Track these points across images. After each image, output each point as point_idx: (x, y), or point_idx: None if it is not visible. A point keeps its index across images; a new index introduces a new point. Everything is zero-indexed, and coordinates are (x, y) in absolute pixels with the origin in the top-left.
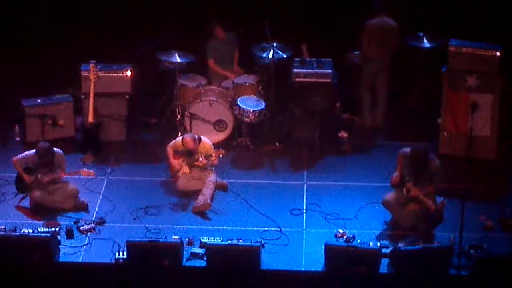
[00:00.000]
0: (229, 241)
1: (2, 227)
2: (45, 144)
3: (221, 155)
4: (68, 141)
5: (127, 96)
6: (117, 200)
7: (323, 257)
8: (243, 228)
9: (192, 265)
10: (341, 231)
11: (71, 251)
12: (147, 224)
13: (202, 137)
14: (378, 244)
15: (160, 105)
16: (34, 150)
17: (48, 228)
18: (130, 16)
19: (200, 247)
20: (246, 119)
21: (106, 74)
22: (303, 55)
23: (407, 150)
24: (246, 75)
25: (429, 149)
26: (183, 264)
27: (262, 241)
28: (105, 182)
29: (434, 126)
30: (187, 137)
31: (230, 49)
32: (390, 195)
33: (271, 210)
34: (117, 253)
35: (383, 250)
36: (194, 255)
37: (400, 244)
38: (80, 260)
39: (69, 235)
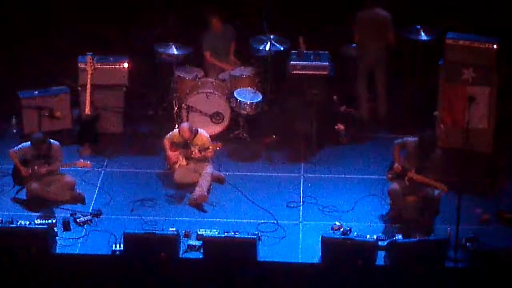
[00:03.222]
0: (225, 233)
1: None
2: (39, 134)
3: (218, 148)
4: (65, 133)
5: (124, 88)
6: (114, 192)
7: (320, 249)
8: (239, 220)
9: (189, 257)
10: (337, 223)
11: (68, 243)
12: (143, 216)
13: (199, 129)
14: (375, 236)
15: (157, 97)
16: (30, 142)
17: (45, 220)
18: (127, 8)
19: (197, 239)
20: (243, 112)
21: (103, 66)
22: (300, 48)
23: (406, 139)
24: (243, 67)
25: (437, 138)
26: (180, 256)
27: (259, 234)
28: (102, 174)
29: (431, 119)
30: (184, 125)
31: (226, 42)
32: (395, 185)
33: (268, 203)
34: (113, 245)
35: (380, 243)
36: (191, 247)
37: (397, 237)
38: (77, 252)
39: (66, 227)
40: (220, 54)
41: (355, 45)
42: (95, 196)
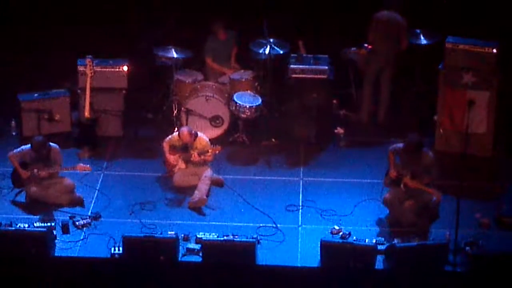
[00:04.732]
0: (224, 237)
1: None
2: (40, 137)
3: (217, 152)
4: (64, 136)
5: (124, 91)
6: (113, 195)
7: (319, 253)
8: (238, 224)
9: (187, 261)
10: (337, 227)
11: (67, 246)
12: (143, 219)
13: (199, 133)
14: (374, 240)
15: (157, 101)
16: (29, 145)
17: (44, 223)
18: (127, 11)
19: (196, 242)
20: (243, 115)
21: (102, 69)
22: (300, 51)
23: (398, 145)
24: (242, 70)
25: (423, 141)
26: (179, 259)
27: (258, 237)
28: (101, 177)
29: (431, 123)
30: (184, 129)
31: (229, 48)
32: (389, 194)
33: (267, 206)
34: (112, 248)
35: (379, 247)
36: (189, 251)
37: (396, 241)
38: (76, 255)
39: (65, 230)
40: (222, 59)
41: (354, 48)
42: (94, 199)
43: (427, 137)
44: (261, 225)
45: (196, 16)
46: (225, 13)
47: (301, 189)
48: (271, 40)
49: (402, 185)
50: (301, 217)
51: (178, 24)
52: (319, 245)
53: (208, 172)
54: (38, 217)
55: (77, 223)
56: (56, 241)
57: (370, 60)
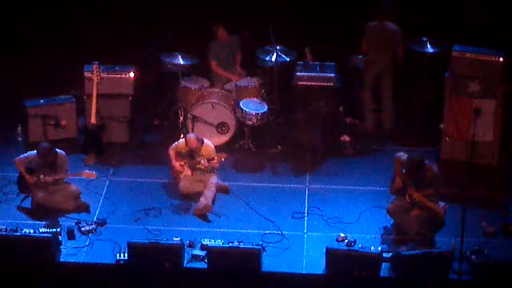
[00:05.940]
0: (230, 244)
1: (4, 227)
2: (46, 144)
3: (223, 159)
4: (70, 142)
5: (130, 98)
6: (119, 201)
7: (324, 260)
8: (244, 230)
9: (193, 267)
10: (342, 235)
11: (72, 252)
12: (148, 225)
13: (204, 140)
14: (379, 248)
15: (163, 107)
16: (35, 151)
17: (49, 229)
18: (133, 17)
19: (201, 249)
20: (249, 122)
21: (109, 75)
22: (306, 59)
23: (403, 155)
24: (249, 77)
25: (424, 157)
26: (184, 266)
27: (263, 244)
28: (107, 183)
29: (437, 131)
30: (191, 136)
31: (232, 52)
32: (393, 203)
33: (273, 213)
34: (118, 255)
35: (384, 255)
36: (195, 257)
37: (401, 249)
38: (81, 261)
39: (70, 235)
40: (226, 64)
41: (361, 56)
42: (99, 205)
43: (433, 146)
44: (266, 232)
45: (202, 22)
46: (232, 18)
47: (307, 196)
48: (278, 47)
49: (407, 196)
50: (307, 224)
51: (184, 31)
52: (324, 253)
53: (214, 179)
54: (43, 222)
55: (82, 229)
56: (62, 246)
57: (367, 69)
